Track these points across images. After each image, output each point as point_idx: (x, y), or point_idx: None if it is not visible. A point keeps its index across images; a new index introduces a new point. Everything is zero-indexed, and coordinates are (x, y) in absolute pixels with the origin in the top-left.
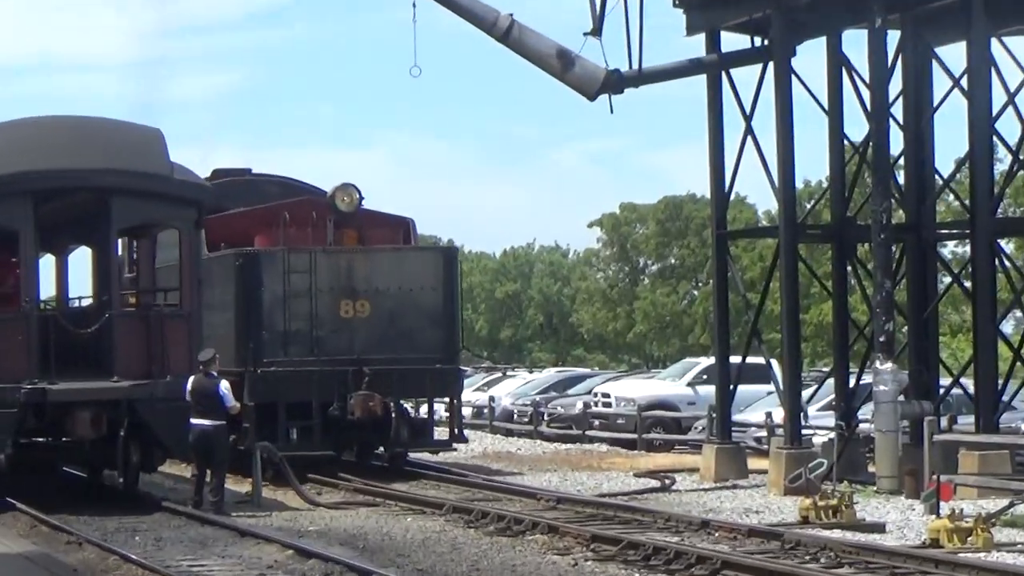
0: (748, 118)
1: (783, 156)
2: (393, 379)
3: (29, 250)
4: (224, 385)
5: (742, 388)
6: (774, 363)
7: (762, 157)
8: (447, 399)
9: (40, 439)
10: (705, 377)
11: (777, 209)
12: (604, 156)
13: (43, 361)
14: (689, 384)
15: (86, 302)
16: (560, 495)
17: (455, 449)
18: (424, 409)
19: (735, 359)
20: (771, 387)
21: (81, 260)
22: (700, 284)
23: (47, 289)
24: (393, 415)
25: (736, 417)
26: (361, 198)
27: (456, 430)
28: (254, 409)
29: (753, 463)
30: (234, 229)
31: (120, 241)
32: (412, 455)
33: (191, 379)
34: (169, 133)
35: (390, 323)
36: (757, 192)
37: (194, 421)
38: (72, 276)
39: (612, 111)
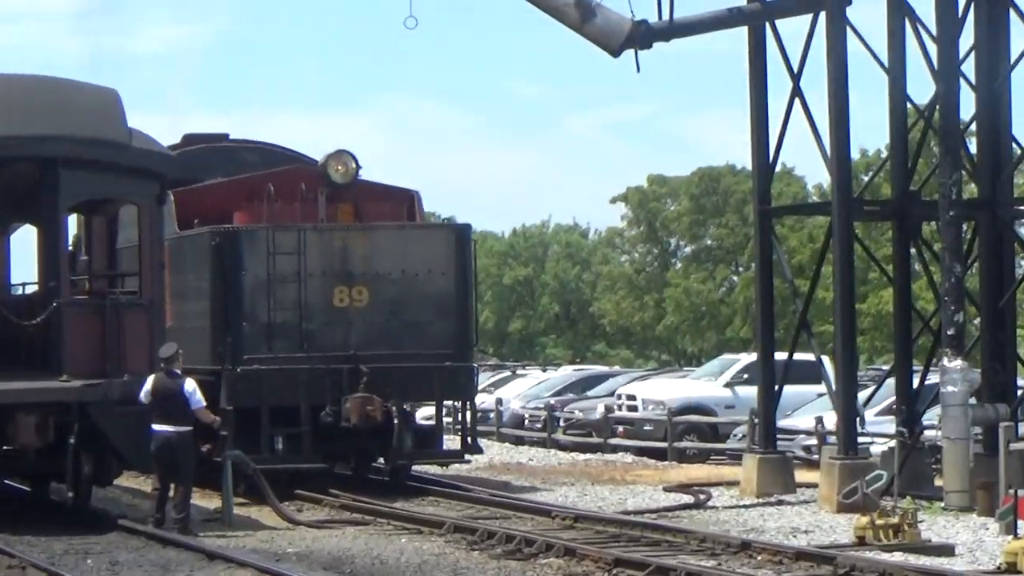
0: (796, 77)
1: (836, 121)
2: (395, 379)
3: None
4: (190, 384)
5: (788, 389)
6: (826, 360)
7: (812, 122)
8: (458, 402)
9: None
10: (746, 376)
11: (829, 182)
12: (629, 122)
13: None
14: (727, 384)
15: (30, 289)
16: (578, 512)
17: (468, 461)
18: (428, 413)
19: (781, 355)
20: (822, 388)
21: (24, 241)
22: (740, 269)
23: None
24: (395, 421)
25: (782, 423)
26: (358, 167)
27: (469, 439)
28: (233, 415)
29: (801, 476)
30: (209, 203)
31: (71, 219)
32: (416, 468)
33: (151, 378)
34: (129, 94)
35: (392, 313)
36: (806, 163)
37: (156, 427)
38: (14, 259)
39: (639, 69)
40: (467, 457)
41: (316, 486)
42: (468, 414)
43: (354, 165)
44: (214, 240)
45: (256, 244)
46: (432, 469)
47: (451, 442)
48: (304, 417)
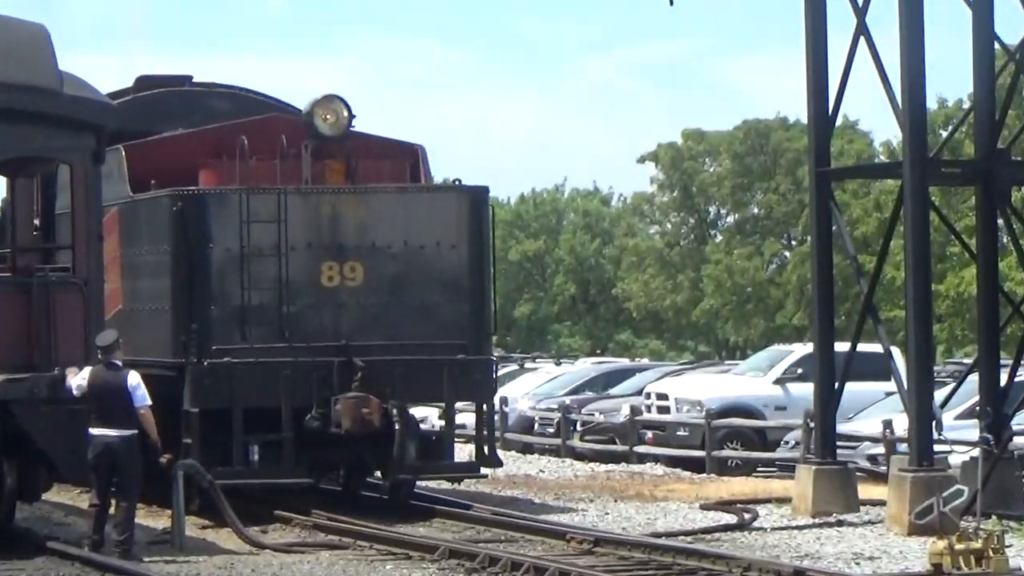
0: (862, 12)
1: (909, 66)
2: (396, 375)
3: None
4: (133, 378)
5: (851, 387)
6: (896, 352)
7: (880, 67)
8: (473, 403)
9: None
10: (799, 372)
11: (900, 139)
12: (659, 66)
13: None
14: (777, 381)
15: None
16: (598, 534)
17: (484, 476)
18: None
19: (842, 347)
20: (891, 385)
21: None
22: (793, 243)
23: None
24: (396, 427)
25: (843, 427)
26: (351, 116)
27: (487, 448)
28: (198, 418)
29: (866, 491)
30: (169, 160)
31: None
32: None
33: (87, 372)
34: (67, 30)
35: (392, 295)
36: (873, 116)
37: (94, 431)
38: None
39: (672, 2)
40: (483, 471)
41: (297, 504)
42: (485, 418)
43: (346, 113)
44: (175, 205)
45: (227, 210)
46: (429, 483)
47: (461, 452)
48: (285, 422)
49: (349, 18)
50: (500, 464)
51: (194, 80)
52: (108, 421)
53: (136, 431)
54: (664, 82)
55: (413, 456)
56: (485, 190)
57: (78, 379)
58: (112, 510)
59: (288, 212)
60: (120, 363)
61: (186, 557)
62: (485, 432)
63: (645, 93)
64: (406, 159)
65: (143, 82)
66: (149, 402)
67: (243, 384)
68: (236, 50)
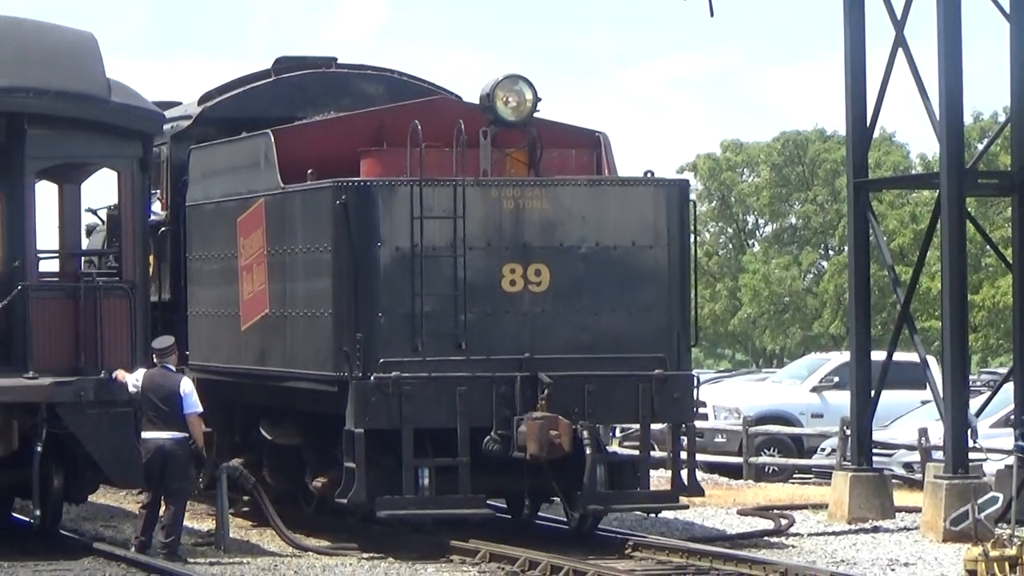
0: (900, 25)
1: (948, 78)
2: (587, 393)
3: None
4: (187, 384)
5: (887, 395)
6: (932, 361)
7: (918, 79)
8: (669, 424)
9: None
10: (836, 380)
11: (937, 150)
12: (699, 77)
13: None
14: (815, 389)
15: None
16: (635, 538)
17: (685, 506)
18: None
19: (878, 355)
20: (927, 394)
21: None
22: (830, 252)
23: None
24: (587, 451)
25: (879, 435)
26: (536, 100)
27: (687, 474)
28: (362, 440)
29: (902, 497)
30: (325, 147)
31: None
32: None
33: (141, 375)
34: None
35: (582, 301)
36: (910, 128)
37: (146, 434)
38: None
39: (712, 13)
40: (682, 499)
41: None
42: (686, 440)
43: (530, 96)
44: (339, 199)
45: (396, 204)
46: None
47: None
48: (461, 444)
49: (388, 26)
50: (702, 493)
51: (339, 61)
52: (161, 424)
53: (187, 435)
54: (703, 92)
55: (603, 484)
56: (686, 184)
57: (132, 380)
58: (161, 512)
59: (467, 207)
60: (173, 367)
61: (230, 559)
62: (685, 456)
63: (684, 104)
64: (589, 148)
65: (283, 63)
66: (200, 409)
67: (414, 402)
68: None
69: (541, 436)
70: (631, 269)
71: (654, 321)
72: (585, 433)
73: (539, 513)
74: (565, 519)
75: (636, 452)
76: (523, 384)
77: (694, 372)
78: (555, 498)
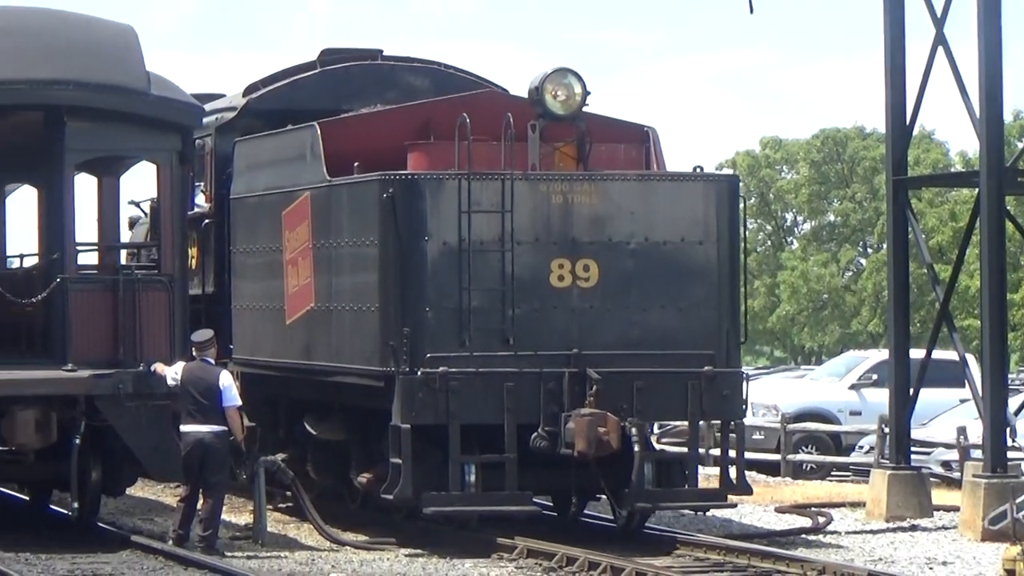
0: (940, 22)
1: (988, 75)
2: (636, 390)
3: None
4: (226, 378)
5: (925, 393)
6: (970, 359)
7: (958, 77)
8: (719, 422)
9: None
10: (875, 378)
11: (976, 148)
12: (737, 72)
13: None
14: (853, 387)
15: (29, 262)
16: (674, 535)
17: (733, 505)
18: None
19: (917, 353)
20: (965, 392)
21: (22, 205)
22: (869, 250)
23: None
24: (635, 448)
25: (917, 433)
26: (586, 92)
27: (735, 473)
28: (409, 435)
29: (940, 496)
30: (372, 140)
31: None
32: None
33: (180, 367)
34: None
35: (630, 297)
36: (949, 125)
37: (185, 427)
38: (10, 227)
39: (752, 10)
40: (730, 498)
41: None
42: (734, 438)
43: (579, 90)
44: (386, 191)
45: (444, 198)
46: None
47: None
48: (508, 441)
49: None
50: (750, 491)
51: (385, 54)
52: (199, 417)
53: (226, 428)
54: (741, 88)
55: (650, 481)
56: (736, 180)
57: (171, 373)
58: (199, 505)
59: (515, 201)
60: (213, 360)
61: (267, 552)
62: (733, 454)
63: (722, 100)
64: (638, 142)
65: (328, 54)
66: (239, 403)
67: (461, 397)
68: None
69: (589, 433)
70: (680, 265)
71: (703, 317)
72: (633, 430)
73: (585, 511)
74: (611, 517)
75: (680, 449)
76: (571, 380)
77: (743, 369)
78: (601, 495)
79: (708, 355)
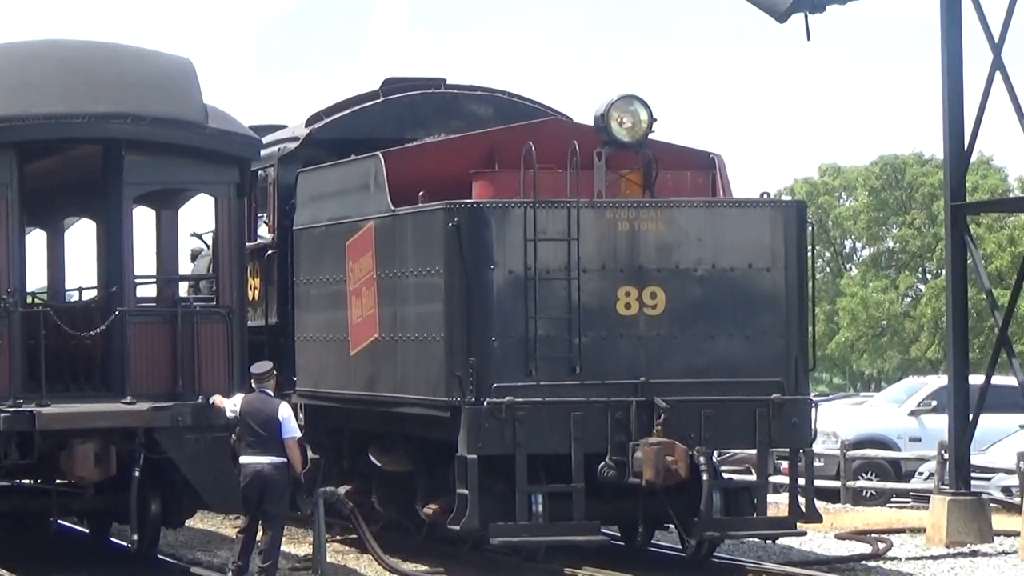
0: (997, 48)
1: None
2: (703, 418)
3: (11, 224)
4: (285, 409)
5: (985, 419)
6: None
7: (1015, 102)
8: (787, 449)
9: (26, 481)
10: (934, 404)
11: None
12: (794, 99)
13: (30, 375)
14: (912, 413)
15: (88, 295)
16: (743, 564)
17: (803, 533)
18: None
19: (976, 379)
20: None
21: (82, 238)
22: (928, 276)
23: (36, 277)
24: (704, 477)
25: (977, 459)
26: (652, 120)
27: (806, 501)
28: (475, 466)
29: (1000, 521)
30: (435, 169)
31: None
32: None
33: (239, 399)
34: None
35: (698, 325)
36: (1009, 151)
37: (245, 459)
38: (70, 259)
39: (809, 37)
40: (799, 526)
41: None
42: (802, 466)
43: (645, 117)
44: (451, 220)
45: (510, 226)
46: None
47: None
48: (576, 470)
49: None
50: (820, 519)
51: (448, 83)
52: (259, 448)
53: (285, 459)
54: (801, 116)
55: (719, 510)
56: (804, 205)
57: (229, 405)
58: (258, 537)
59: (581, 229)
60: (272, 392)
61: None
62: (803, 482)
63: (782, 126)
64: (705, 169)
65: (391, 83)
66: (298, 434)
67: (528, 427)
68: None
69: (657, 462)
70: (748, 292)
71: (771, 345)
72: (702, 459)
73: (652, 540)
74: (680, 545)
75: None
76: (639, 409)
77: (811, 397)
78: (669, 524)
79: (776, 383)
